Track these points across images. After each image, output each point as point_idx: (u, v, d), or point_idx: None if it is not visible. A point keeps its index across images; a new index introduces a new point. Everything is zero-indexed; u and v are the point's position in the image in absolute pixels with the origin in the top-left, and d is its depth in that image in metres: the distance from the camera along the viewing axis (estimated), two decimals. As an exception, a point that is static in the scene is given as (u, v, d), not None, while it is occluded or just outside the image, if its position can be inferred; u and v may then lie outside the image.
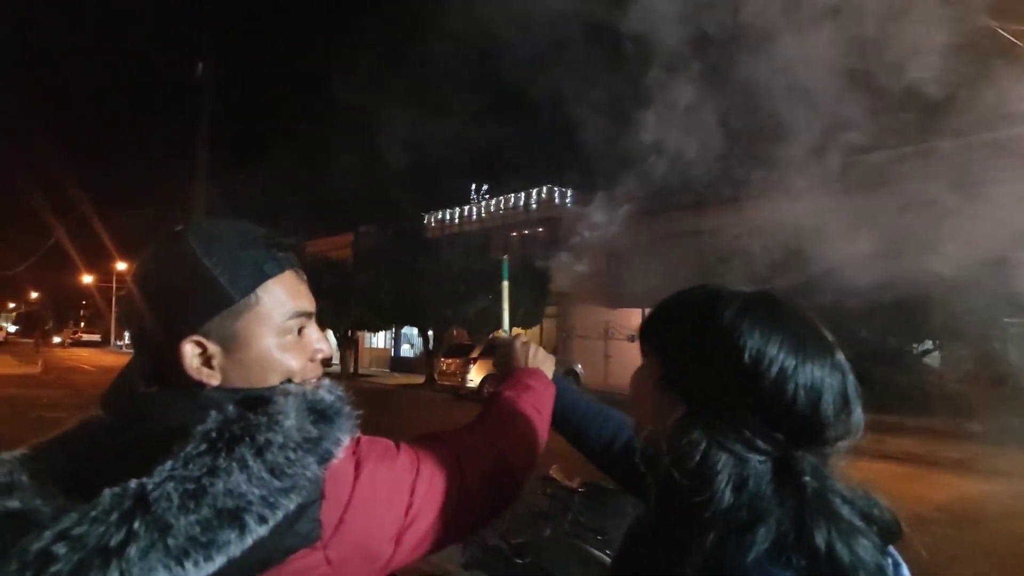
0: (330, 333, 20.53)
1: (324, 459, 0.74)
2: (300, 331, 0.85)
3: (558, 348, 21.73)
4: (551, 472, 4.20)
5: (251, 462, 0.69)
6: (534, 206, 24.49)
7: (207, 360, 0.79)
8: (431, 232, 28.86)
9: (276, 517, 0.69)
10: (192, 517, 0.66)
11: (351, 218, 32.16)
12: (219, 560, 0.66)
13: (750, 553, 0.71)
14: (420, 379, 20.39)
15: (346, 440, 0.77)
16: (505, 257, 1.32)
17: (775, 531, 0.72)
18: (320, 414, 0.76)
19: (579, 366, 19.91)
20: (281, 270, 0.83)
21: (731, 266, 16.72)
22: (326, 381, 0.83)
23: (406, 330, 27.35)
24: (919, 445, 11.81)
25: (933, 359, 15.52)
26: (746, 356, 0.78)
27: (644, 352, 0.92)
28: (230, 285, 0.79)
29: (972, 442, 12.50)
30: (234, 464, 0.69)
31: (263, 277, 0.81)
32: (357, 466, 0.79)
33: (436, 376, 19.10)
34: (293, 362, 0.83)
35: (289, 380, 0.82)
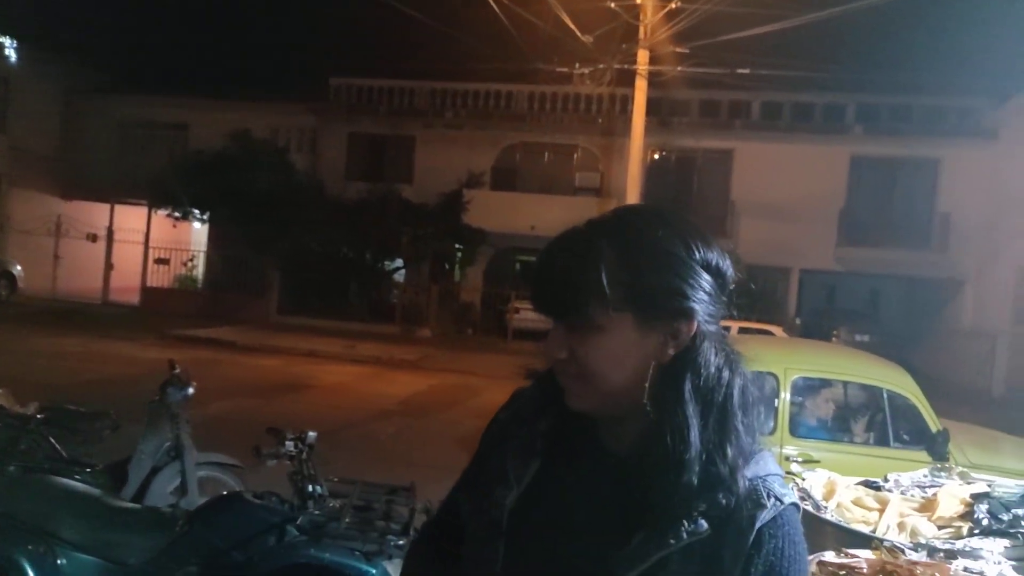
0: None
1: None
2: None
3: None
4: (-6, 398, 3.19)
5: None
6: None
7: None
8: None
9: None
10: None
11: None
12: None
13: None
14: None
15: None
16: None
17: None
18: None
19: (18, 267, 16.16)
20: None
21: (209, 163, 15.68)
22: None
23: None
24: (383, 349, 13.39)
25: (400, 275, 17.73)
26: None
27: None
28: None
29: (423, 345, 14.85)
30: None
31: None
32: None
33: None
34: None
35: None
